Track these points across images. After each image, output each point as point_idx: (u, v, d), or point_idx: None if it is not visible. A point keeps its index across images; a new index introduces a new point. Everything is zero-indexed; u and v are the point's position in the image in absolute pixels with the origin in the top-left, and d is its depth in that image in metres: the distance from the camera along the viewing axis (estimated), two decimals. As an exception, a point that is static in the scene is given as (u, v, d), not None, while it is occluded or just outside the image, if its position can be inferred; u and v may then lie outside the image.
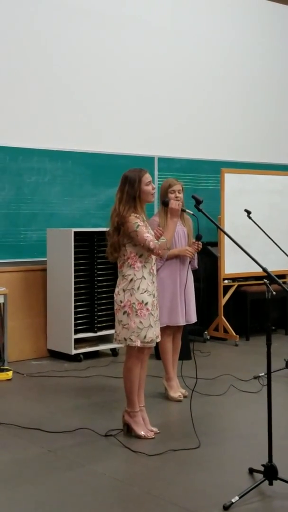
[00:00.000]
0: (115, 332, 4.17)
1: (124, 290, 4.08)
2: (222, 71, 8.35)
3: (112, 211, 4.13)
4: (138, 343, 4.06)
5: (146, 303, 4.08)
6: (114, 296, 4.17)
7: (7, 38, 6.55)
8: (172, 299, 4.97)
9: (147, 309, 4.08)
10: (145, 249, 4.07)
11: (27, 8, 6.66)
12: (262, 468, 3.38)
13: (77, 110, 7.04)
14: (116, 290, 4.15)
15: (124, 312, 4.07)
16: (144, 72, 7.59)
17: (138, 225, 4.03)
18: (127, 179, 4.10)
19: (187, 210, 4.55)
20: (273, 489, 3.36)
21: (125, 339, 4.08)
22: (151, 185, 4.16)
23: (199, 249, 4.99)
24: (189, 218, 5.03)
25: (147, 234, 4.06)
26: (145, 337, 4.07)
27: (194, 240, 5.03)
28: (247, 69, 8.59)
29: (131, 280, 4.07)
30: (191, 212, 4.47)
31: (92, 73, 7.17)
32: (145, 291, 4.08)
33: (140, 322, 4.06)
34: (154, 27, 7.67)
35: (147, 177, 4.14)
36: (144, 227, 4.07)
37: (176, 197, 4.88)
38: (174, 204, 4.34)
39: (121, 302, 4.09)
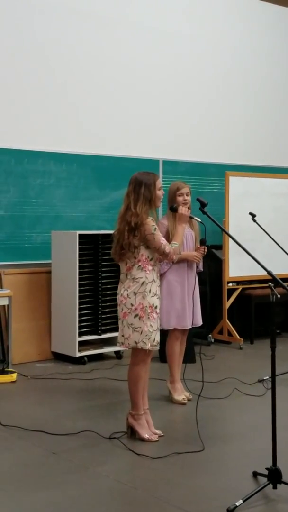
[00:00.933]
0: (122, 335, 4.12)
1: (135, 293, 4.06)
2: (227, 74, 8.35)
3: (122, 212, 4.10)
4: (149, 346, 4.07)
5: (156, 307, 4.10)
6: (122, 299, 4.11)
7: (12, 41, 6.57)
8: (181, 302, 4.98)
9: (156, 313, 4.10)
10: (159, 252, 4.08)
11: (29, 16, 6.69)
12: (266, 472, 3.38)
13: (82, 112, 7.05)
14: (125, 293, 4.09)
15: (136, 315, 4.05)
16: (149, 76, 7.60)
17: (156, 228, 4.06)
18: (143, 182, 4.09)
19: (195, 218, 4.58)
20: (277, 492, 3.35)
21: (136, 343, 4.06)
22: (161, 190, 4.18)
23: (205, 253, 4.99)
24: (196, 222, 5.02)
25: (163, 238, 4.10)
26: (154, 340, 4.08)
27: (198, 246, 5.03)
28: (252, 71, 8.58)
29: (143, 283, 4.05)
30: (199, 220, 4.52)
31: (98, 77, 7.18)
32: (155, 295, 4.10)
33: (151, 325, 4.06)
34: (158, 32, 7.67)
35: (160, 182, 4.18)
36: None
37: (184, 199, 4.89)
38: (183, 210, 4.37)
39: (131, 305, 4.06)
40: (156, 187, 4.11)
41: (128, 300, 4.07)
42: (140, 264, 4.07)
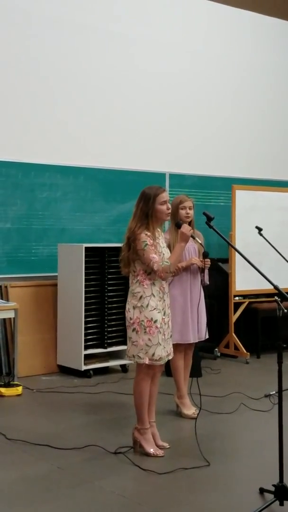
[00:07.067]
0: (127, 348, 4.21)
1: (134, 307, 4.10)
2: (234, 88, 8.38)
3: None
4: (146, 361, 4.06)
5: (155, 321, 4.07)
6: (125, 312, 4.19)
7: (19, 53, 6.62)
8: (183, 316, 4.93)
9: (156, 327, 4.07)
10: (148, 269, 4.08)
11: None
12: (273, 488, 3.35)
13: (89, 126, 7.08)
14: (127, 307, 4.17)
15: (133, 329, 4.09)
16: (156, 90, 7.64)
17: (146, 244, 4.03)
18: (143, 196, 4.12)
19: (196, 238, 4.58)
20: (284, 509, 3.32)
21: (134, 356, 4.10)
22: (166, 204, 4.13)
23: (207, 266, 4.95)
24: (201, 234, 4.98)
25: (153, 254, 4.03)
26: (153, 354, 4.06)
27: (201, 259, 4.96)
28: (258, 86, 8.61)
29: (141, 297, 4.08)
30: (200, 242, 4.60)
31: (105, 92, 7.22)
32: (154, 309, 4.08)
33: (149, 339, 4.05)
34: (167, 48, 7.72)
35: (163, 196, 4.12)
36: (152, 247, 4.05)
37: (187, 213, 4.84)
38: (186, 229, 4.23)
39: (130, 319, 4.11)
40: (156, 201, 4.08)
41: (128, 314, 4.14)
42: (138, 278, 4.10)
